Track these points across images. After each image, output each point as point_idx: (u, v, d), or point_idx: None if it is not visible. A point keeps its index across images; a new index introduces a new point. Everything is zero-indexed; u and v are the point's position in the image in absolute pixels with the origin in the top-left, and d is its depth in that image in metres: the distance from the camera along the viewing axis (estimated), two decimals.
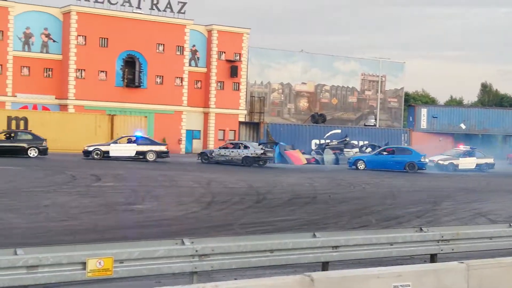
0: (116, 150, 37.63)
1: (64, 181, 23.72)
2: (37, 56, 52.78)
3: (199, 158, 39.83)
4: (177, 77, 57.56)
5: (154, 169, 31.56)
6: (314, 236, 9.81)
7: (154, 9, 55.84)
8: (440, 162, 41.45)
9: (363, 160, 39.57)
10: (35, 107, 51.35)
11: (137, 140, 38.47)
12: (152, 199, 19.91)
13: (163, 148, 38.88)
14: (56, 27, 53.55)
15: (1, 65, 51.21)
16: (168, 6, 56.30)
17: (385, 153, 40.60)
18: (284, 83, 65.67)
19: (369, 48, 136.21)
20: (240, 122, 53.23)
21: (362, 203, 20.92)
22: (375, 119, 66.44)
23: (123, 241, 9.27)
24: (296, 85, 66.02)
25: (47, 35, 53.33)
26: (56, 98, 53.11)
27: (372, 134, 52.17)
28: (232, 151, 38.70)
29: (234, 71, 60.12)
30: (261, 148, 39.02)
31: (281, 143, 43.69)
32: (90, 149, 37.38)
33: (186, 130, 57.83)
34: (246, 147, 38.83)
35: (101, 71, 54.34)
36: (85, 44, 53.39)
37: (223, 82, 60.18)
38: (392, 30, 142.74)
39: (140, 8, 55.28)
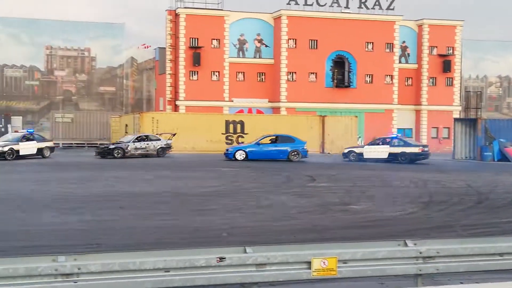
0: (369, 152, 38.39)
1: (281, 181, 24.58)
2: (250, 62, 55.25)
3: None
4: (387, 75, 57.04)
5: (365, 169, 31.50)
6: None
7: (362, 8, 55.86)
8: None
9: (243, 150, 37.20)
10: (250, 110, 53.76)
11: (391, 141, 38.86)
12: (366, 199, 19.89)
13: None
14: (268, 32, 55.62)
15: (218, 72, 54.36)
16: (377, 3, 55.97)
17: (269, 141, 38.05)
18: (502, 76, 62.11)
19: None
20: (455, 119, 51.21)
21: None
22: None
23: (346, 242, 9.37)
24: None
25: (260, 41, 55.58)
26: (269, 101, 55.19)
27: None
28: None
29: (447, 66, 58.16)
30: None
31: (501, 139, 41.38)
32: (346, 151, 39.00)
33: (398, 128, 56.93)
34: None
35: (311, 73, 55.47)
36: (295, 47, 54.90)
37: (435, 78, 58.51)
38: None
39: (349, 8, 55.54)
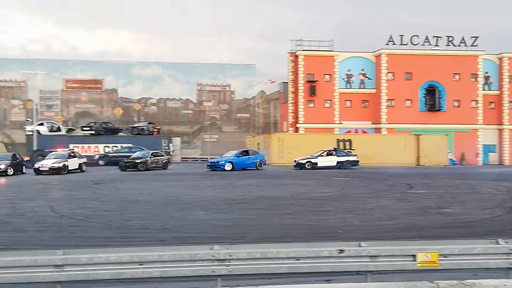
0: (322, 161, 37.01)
1: (383, 189, 23.97)
2: (356, 91, 54.52)
3: None
4: (472, 100, 54.31)
5: (457, 178, 30.03)
6: None
7: (449, 45, 53.63)
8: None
9: (231, 162, 35.87)
10: (356, 131, 52.95)
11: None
12: (458, 204, 18.94)
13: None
14: (370, 68, 54.73)
15: (330, 100, 54.10)
16: (462, 41, 53.54)
17: (243, 154, 37.25)
18: None
19: None
20: None
21: None
22: None
23: (445, 239, 8.98)
24: None
25: (364, 74, 54.79)
26: (372, 123, 54.13)
27: None
28: None
29: None
30: None
31: None
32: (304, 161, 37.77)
33: (483, 145, 54.02)
34: None
35: (407, 99, 53.88)
36: (393, 79, 53.64)
37: None
38: None
39: (438, 45, 53.52)
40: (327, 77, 54.03)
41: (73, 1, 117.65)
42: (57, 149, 36.62)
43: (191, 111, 61.19)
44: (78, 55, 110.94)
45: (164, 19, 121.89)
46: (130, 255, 7.33)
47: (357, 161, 39.22)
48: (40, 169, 32.42)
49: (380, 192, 22.60)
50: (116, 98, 59.20)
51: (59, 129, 47.56)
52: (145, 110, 59.72)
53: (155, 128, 48.32)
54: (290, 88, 54.73)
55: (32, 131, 43.65)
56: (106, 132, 46.60)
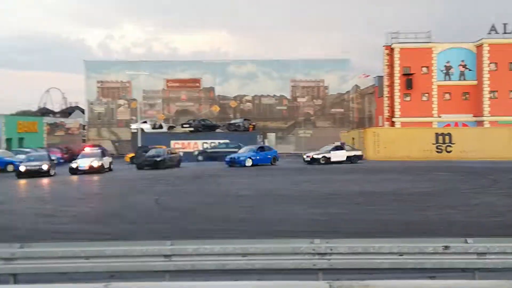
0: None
1: (488, 184, 22.74)
2: (456, 84, 52.17)
3: None
4: None
5: None
6: None
7: None
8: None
9: (251, 158, 35.61)
10: (456, 124, 50.67)
11: None
12: None
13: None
14: (471, 58, 52.14)
15: (427, 93, 52.15)
16: None
17: (259, 150, 37.43)
18: None
19: None
20: None
21: None
22: None
23: None
24: None
25: (464, 66, 52.28)
26: (473, 116, 51.56)
27: None
28: None
29: None
30: None
31: None
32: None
33: None
34: None
35: (511, 91, 50.76)
36: (496, 69, 50.73)
37: None
38: None
39: None
40: (424, 69, 52.14)
41: (171, 6, 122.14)
42: (87, 148, 35.93)
43: (285, 107, 61.43)
44: (177, 56, 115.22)
45: (257, 17, 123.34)
46: (233, 247, 7.50)
47: (362, 156, 39.00)
48: (79, 168, 31.02)
49: (485, 187, 21.46)
50: (213, 96, 60.71)
51: (161, 127, 49.68)
52: (241, 107, 60.75)
53: (250, 125, 49.01)
54: (386, 82, 53.35)
55: (137, 128, 45.87)
56: (204, 128, 47.97)
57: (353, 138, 46.88)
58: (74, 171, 30.90)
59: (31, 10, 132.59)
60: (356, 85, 63.83)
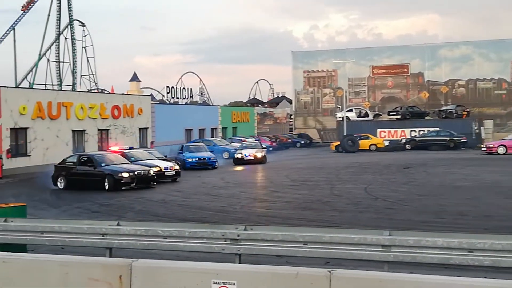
0: None
1: None
2: None
3: None
4: None
5: None
6: None
7: None
8: None
9: None
10: None
11: None
12: None
13: None
14: None
15: None
16: None
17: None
18: None
19: None
20: None
21: None
22: None
23: None
24: None
25: None
26: None
27: None
28: None
29: None
30: None
31: None
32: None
33: None
34: None
35: None
36: None
37: None
38: None
39: None
40: None
41: None
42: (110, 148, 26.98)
43: (504, 91, 56.22)
44: (381, 42, 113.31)
45: None
46: (458, 241, 7.07)
47: None
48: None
49: None
50: (422, 82, 58.26)
51: (366, 115, 49.44)
52: (453, 92, 57.27)
53: (464, 111, 46.36)
54: None
55: (342, 117, 46.26)
56: (412, 116, 46.55)
57: None
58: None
59: (243, 8, 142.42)
60: None
